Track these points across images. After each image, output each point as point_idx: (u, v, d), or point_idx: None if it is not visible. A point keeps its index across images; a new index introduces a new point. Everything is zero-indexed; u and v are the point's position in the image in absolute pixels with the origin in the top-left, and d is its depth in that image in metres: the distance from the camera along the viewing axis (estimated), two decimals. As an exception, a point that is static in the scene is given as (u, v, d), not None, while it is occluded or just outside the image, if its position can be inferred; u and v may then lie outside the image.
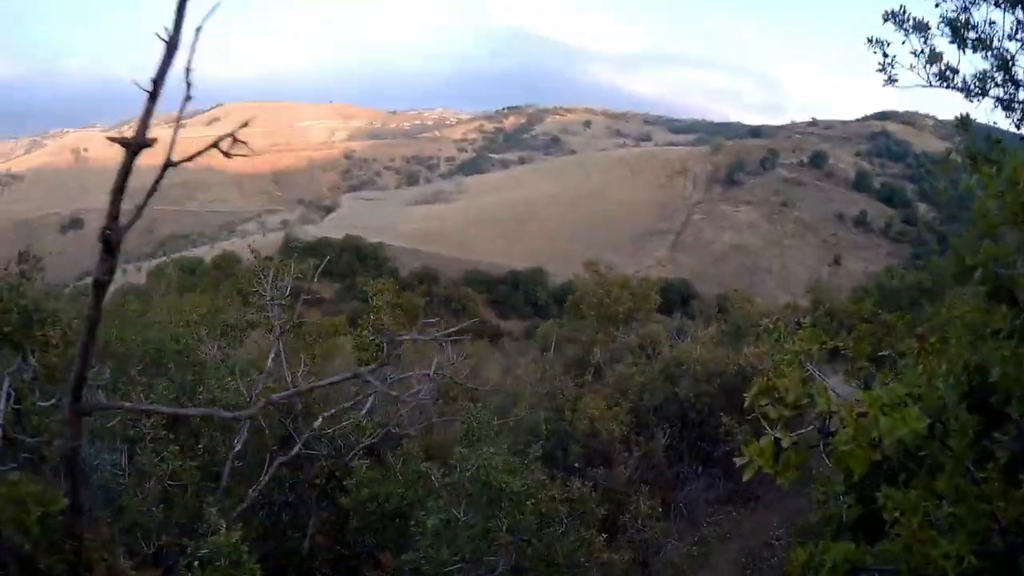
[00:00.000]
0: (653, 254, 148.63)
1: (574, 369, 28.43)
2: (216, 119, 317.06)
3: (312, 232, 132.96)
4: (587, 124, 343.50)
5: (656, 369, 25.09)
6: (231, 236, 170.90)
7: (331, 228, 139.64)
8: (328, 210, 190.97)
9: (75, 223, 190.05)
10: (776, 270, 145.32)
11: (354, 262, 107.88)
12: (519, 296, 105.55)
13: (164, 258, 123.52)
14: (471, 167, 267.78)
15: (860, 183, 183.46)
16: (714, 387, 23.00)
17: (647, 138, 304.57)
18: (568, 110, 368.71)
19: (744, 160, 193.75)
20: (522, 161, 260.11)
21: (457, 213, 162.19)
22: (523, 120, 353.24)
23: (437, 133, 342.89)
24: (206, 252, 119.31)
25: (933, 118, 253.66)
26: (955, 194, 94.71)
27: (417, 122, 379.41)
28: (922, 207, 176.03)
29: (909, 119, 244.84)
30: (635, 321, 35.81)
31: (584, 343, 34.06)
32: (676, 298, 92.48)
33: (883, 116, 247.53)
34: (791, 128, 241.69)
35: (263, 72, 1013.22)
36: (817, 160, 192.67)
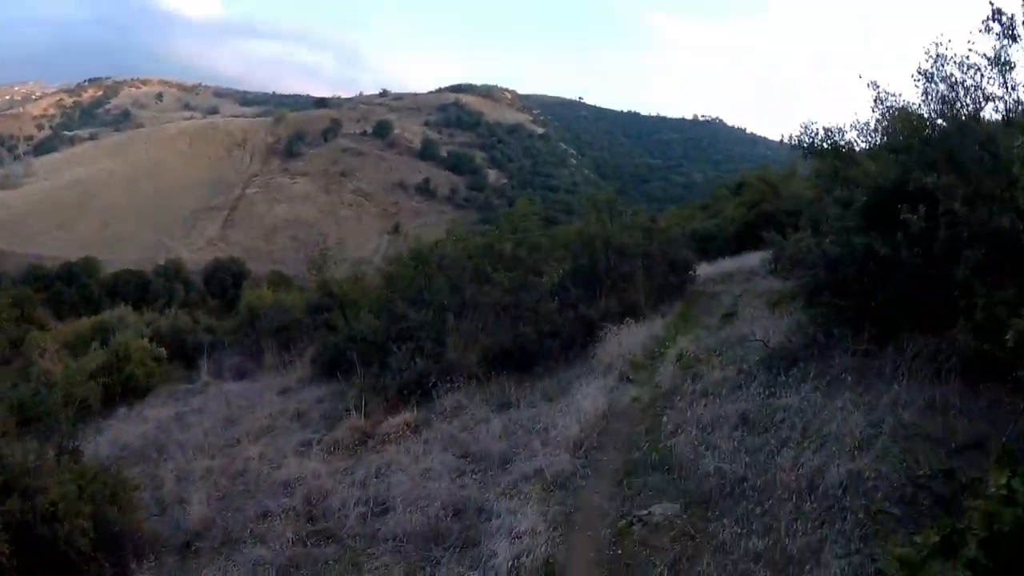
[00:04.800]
0: (205, 233, 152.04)
1: None
2: None
3: None
4: (159, 97, 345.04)
5: None
6: None
7: None
8: None
9: None
10: (332, 242, 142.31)
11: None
12: (74, 292, 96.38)
13: None
14: (47, 147, 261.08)
15: (425, 152, 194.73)
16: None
17: (215, 111, 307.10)
18: (144, 82, 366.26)
19: (305, 131, 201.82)
20: (92, 138, 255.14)
21: (20, 199, 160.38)
22: (100, 93, 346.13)
23: (21, 109, 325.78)
24: None
25: (513, 91, 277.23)
26: (529, 162, 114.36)
27: (7, 97, 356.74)
28: (493, 174, 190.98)
29: (486, 92, 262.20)
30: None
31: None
32: (228, 279, 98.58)
33: (459, 89, 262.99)
34: (358, 100, 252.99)
35: None
36: (381, 130, 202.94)
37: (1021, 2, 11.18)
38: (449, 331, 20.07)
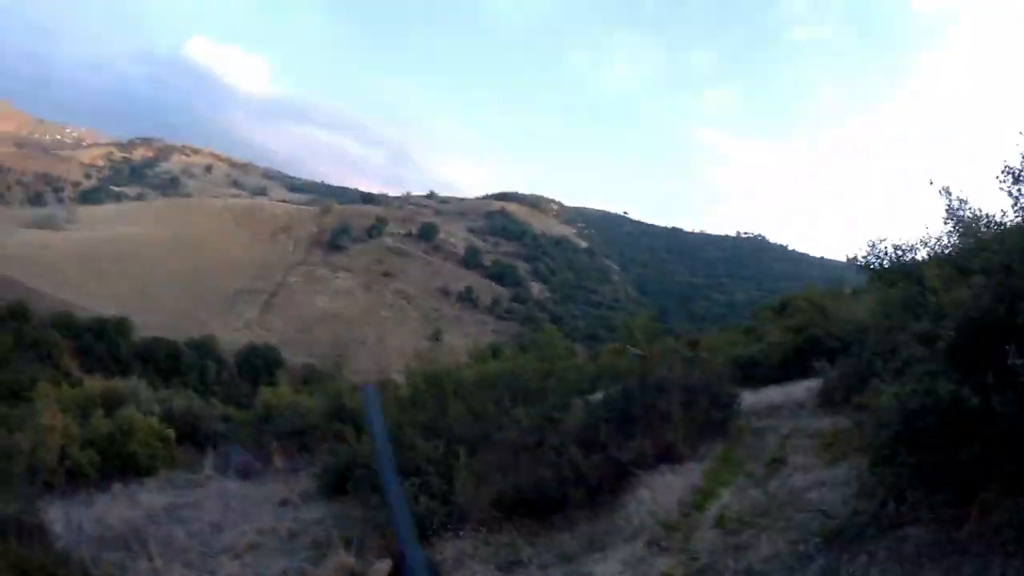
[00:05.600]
0: (244, 315, 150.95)
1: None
2: None
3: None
4: (208, 169, 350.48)
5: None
6: None
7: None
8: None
9: None
10: (371, 342, 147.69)
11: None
12: (103, 348, 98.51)
13: None
14: (93, 196, 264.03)
15: (469, 259, 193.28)
16: None
17: (263, 192, 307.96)
18: (195, 151, 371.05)
19: (351, 225, 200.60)
20: (139, 198, 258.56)
21: (61, 243, 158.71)
22: (151, 154, 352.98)
23: (72, 152, 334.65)
24: None
25: (559, 203, 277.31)
26: (572, 276, 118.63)
27: (59, 136, 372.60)
28: (536, 287, 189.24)
29: (533, 201, 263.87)
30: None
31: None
32: (260, 364, 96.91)
33: (505, 197, 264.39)
34: (406, 199, 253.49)
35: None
36: (427, 233, 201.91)
37: None
38: (461, 469, 17.03)
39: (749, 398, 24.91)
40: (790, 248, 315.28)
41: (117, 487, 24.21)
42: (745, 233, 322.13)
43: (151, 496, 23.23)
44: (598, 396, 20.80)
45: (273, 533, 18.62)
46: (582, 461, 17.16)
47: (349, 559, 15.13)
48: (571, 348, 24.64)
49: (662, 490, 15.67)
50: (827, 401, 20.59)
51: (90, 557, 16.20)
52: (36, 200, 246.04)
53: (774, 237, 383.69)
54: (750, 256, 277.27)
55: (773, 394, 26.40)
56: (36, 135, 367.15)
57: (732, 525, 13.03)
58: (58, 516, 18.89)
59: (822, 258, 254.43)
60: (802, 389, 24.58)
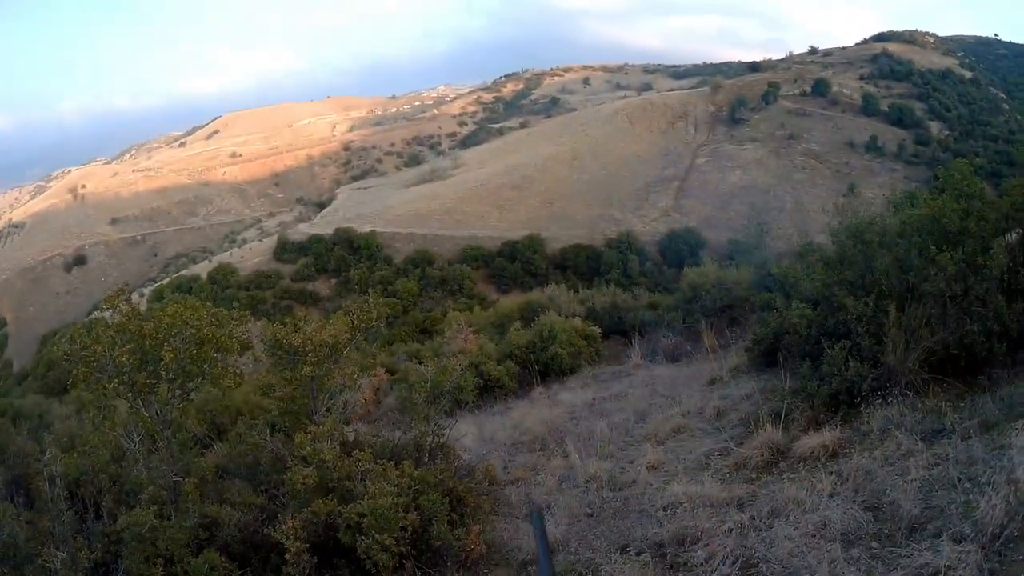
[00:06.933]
0: (658, 204, 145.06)
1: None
2: (216, 131, 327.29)
3: (305, 231, 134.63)
4: (586, 81, 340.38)
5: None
6: (231, 247, 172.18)
7: (325, 224, 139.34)
8: (322, 205, 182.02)
9: (79, 260, 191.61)
10: (789, 206, 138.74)
11: (346, 255, 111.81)
12: (517, 266, 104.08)
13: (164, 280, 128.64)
14: (472, 140, 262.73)
15: (868, 107, 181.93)
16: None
17: (648, 87, 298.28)
18: (566, 70, 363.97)
19: (745, 97, 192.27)
20: (522, 126, 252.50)
21: (451, 188, 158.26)
22: (521, 86, 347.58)
23: (436, 111, 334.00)
24: (204, 267, 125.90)
25: (934, 35, 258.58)
26: (965, 111, 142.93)
27: (417, 103, 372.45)
28: (935, 126, 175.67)
29: (909, 38, 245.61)
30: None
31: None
32: (683, 248, 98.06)
33: (882, 38, 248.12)
34: (789, 60, 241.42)
35: (260, 79, 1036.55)
36: (820, 88, 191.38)
37: None
38: (891, 325, 14.82)
39: None
40: None
41: (537, 391, 24.92)
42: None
43: (573, 394, 23.35)
44: (1011, 237, 17.59)
45: (699, 414, 17.84)
46: (1005, 311, 15.09)
47: (775, 434, 14.25)
48: (981, 186, 21.79)
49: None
50: None
51: (502, 463, 16.73)
52: (413, 161, 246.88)
53: None
54: None
55: None
56: (393, 110, 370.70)
57: None
58: (470, 430, 19.52)
59: None
60: None
